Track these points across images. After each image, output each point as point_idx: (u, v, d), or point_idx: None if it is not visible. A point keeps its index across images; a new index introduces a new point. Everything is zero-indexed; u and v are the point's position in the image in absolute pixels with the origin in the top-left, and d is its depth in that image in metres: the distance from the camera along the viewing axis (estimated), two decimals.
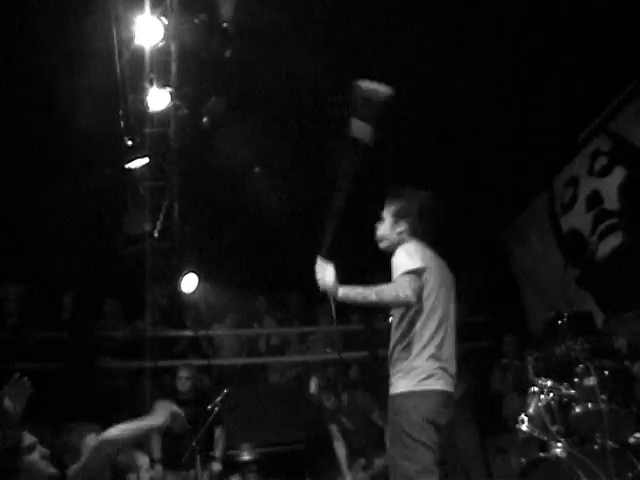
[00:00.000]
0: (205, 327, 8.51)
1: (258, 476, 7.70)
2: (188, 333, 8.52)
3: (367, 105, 3.67)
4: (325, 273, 3.48)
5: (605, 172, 7.32)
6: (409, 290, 3.30)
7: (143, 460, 4.70)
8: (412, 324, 3.46)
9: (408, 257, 3.47)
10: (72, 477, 3.17)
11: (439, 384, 3.36)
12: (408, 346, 3.44)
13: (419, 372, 3.36)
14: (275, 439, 7.91)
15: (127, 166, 6.18)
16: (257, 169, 7.54)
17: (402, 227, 3.81)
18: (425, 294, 3.46)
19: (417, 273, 3.40)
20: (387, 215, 3.89)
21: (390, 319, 3.73)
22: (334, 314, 4.13)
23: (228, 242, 7.94)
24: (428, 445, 3.25)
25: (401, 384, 3.39)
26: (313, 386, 6.78)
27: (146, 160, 6.22)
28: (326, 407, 6.89)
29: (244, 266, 8.29)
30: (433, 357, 3.40)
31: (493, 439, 7.50)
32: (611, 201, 7.22)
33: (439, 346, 3.44)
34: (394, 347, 3.53)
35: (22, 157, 6.78)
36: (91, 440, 3.52)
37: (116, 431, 3.12)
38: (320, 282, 3.50)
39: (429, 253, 3.68)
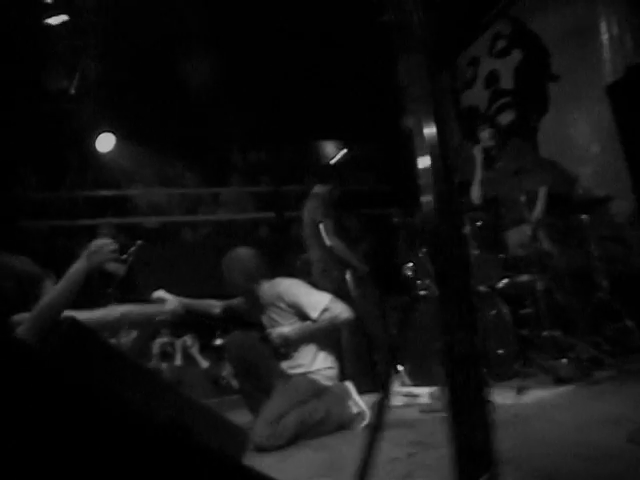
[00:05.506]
0: (121, 187, 8.75)
1: (169, 331, 8.17)
2: (105, 193, 8.74)
3: None
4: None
5: (503, 54, 7.84)
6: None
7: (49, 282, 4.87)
8: None
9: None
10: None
11: None
12: None
13: None
14: (188, 295, 8.36)
15: (45, 22, 6.23)
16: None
17: None
18: None
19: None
20: None
21: None
22: None
23: (146, 103, 7.96)
24: None
25: None
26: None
27: (64, 17, 6.27)
28: None
29: (161, 128, 8.38)
30: None
31: (391, 299, 8.24)
32: (507, 81, 7.80)
33: None
34: None
35: None
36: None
37: (123, 309, 3.27)
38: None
39: None
